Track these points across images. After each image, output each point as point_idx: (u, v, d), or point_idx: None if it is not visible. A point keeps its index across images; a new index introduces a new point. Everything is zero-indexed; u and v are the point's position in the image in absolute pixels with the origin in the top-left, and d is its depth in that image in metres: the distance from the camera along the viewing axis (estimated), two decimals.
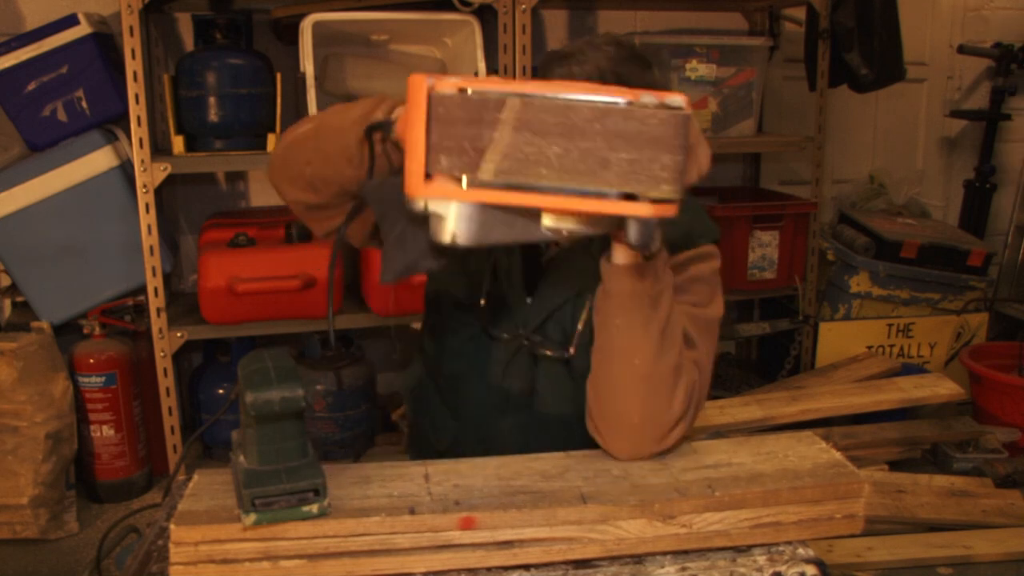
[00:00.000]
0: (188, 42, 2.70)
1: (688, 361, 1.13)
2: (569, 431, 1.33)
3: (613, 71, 1.17)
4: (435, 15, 2.45)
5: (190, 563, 0.92)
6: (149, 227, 2.33)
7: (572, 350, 1.31)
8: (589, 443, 1.16)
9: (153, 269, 2.37)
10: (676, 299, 1.16)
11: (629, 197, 0.83)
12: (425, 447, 1.45)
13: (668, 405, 1.10)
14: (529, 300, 1.33)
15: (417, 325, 2.45)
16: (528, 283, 1.33)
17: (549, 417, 1.35)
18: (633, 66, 1.19)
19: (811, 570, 0.97)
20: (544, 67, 1.25)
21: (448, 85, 0.81)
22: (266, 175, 1.23)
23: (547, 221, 0.87)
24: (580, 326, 1.30)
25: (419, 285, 1.45)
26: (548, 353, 1.32)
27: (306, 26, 2.33)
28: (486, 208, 0.85)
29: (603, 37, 1.23)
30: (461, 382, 1.39)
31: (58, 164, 2.39)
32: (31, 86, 2.38)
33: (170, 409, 2.45)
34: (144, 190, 2.31)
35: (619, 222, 0.89)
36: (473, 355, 1.36)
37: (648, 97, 0.81)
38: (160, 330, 2.39)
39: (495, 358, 1.34)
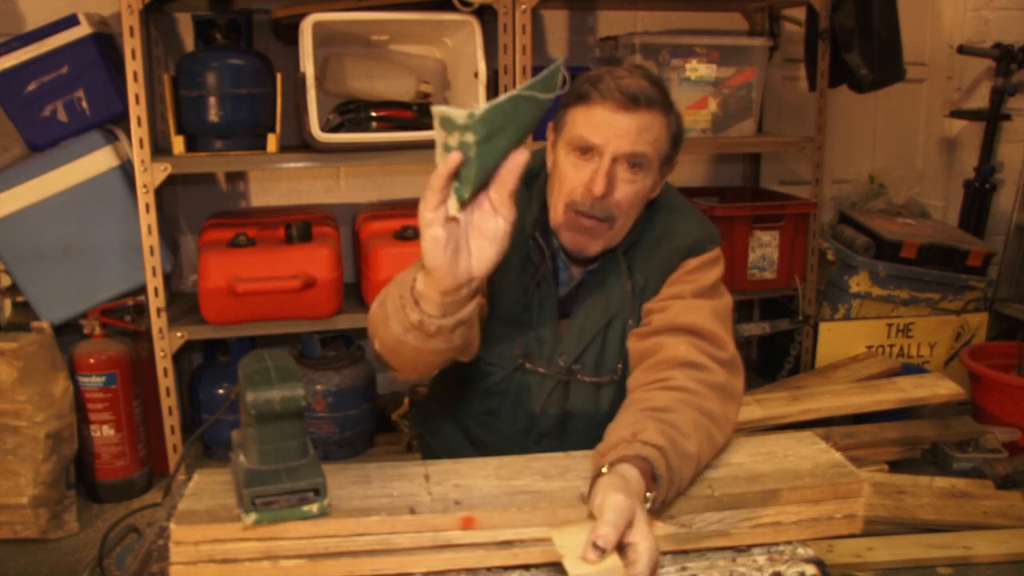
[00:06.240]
0: (188, 42, 2.70)
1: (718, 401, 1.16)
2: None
3: (653, 87, 1.23)
4: (435, 15, 2.45)
5: (190, 563, 0.92)
6: (149, 227, 2.33)
7: (617, 375, 1.34)
8: None
9: (153, 269, 2.37)
10: (701, 303, 1.28)
11: None
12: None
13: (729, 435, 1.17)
14: (563, 328, 1.34)
15: None
16: (560, 311, 1.35)
17: (580, 440, 1.36)
18: (661, 89, 1.25)
19: (811, 570, 0.97)
20: (581, 85, 1.24)
21: None
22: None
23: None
24: (620, 364, 1.33)
25: None
26: (588, 380, 1.34)
27: (306, 26, 2.33)
28: None
29: (625, 65, 1.27)
30: (494, 417, 1.40)
31: (58, 164, 2.39)
32: (31, 86, 2.38)
33: (170, 409, 2.45)
34: (144, 190, 2.31)
35: None
36: (507, 391, 1.37)
37: None
38: (160, 330, 2.39)
39: (533, 392, 1.36)
